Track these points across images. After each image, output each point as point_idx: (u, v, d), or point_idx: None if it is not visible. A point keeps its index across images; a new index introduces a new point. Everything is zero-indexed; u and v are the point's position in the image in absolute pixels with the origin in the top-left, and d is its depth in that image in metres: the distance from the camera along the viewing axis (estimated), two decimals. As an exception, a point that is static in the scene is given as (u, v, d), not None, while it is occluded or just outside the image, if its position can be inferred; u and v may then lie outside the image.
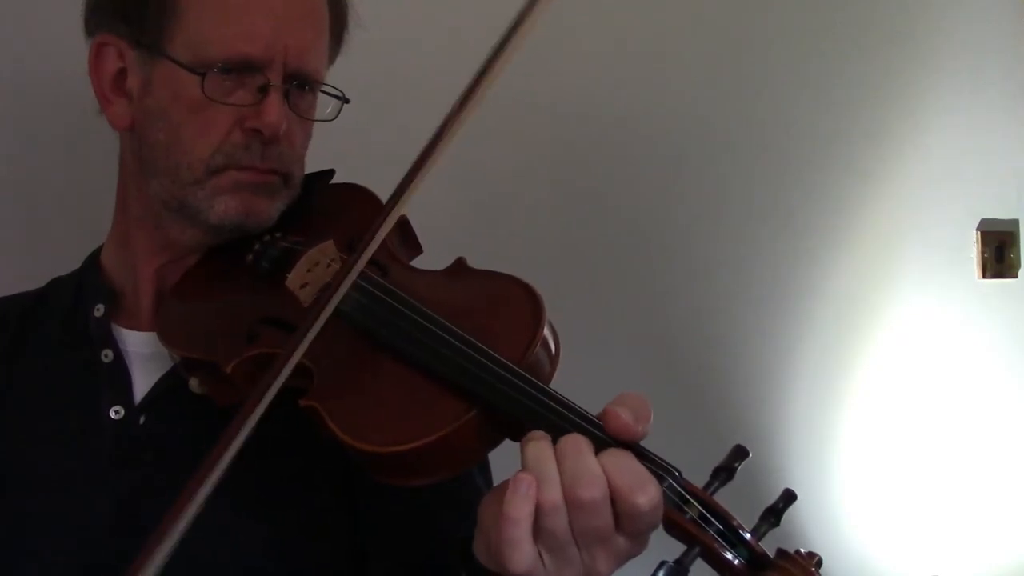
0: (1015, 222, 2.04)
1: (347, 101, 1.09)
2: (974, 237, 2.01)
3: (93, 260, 1.14)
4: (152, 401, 1.02)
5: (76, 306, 1.10)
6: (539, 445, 0.77)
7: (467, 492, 0.99)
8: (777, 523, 0.77)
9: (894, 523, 1.93)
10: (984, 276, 2.01)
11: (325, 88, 1.08)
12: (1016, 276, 2.04)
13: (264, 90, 1.00)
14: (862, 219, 1.94)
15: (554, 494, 0.74)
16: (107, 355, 1.05)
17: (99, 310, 1.07)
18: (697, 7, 1.86)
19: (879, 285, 1.95)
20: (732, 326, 1.85)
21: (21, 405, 1.05)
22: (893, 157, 1.95)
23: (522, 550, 0.74)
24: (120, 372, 1.04)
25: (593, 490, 0.73)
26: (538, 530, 0.74)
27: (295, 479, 0.99)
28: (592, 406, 0.81)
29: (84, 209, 1.33)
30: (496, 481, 1.02)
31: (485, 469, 1.05)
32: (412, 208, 1.04)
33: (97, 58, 1.05)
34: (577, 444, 0.76)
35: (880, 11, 1.95)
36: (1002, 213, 2.03)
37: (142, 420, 1.02)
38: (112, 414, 1.02)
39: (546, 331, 0.85)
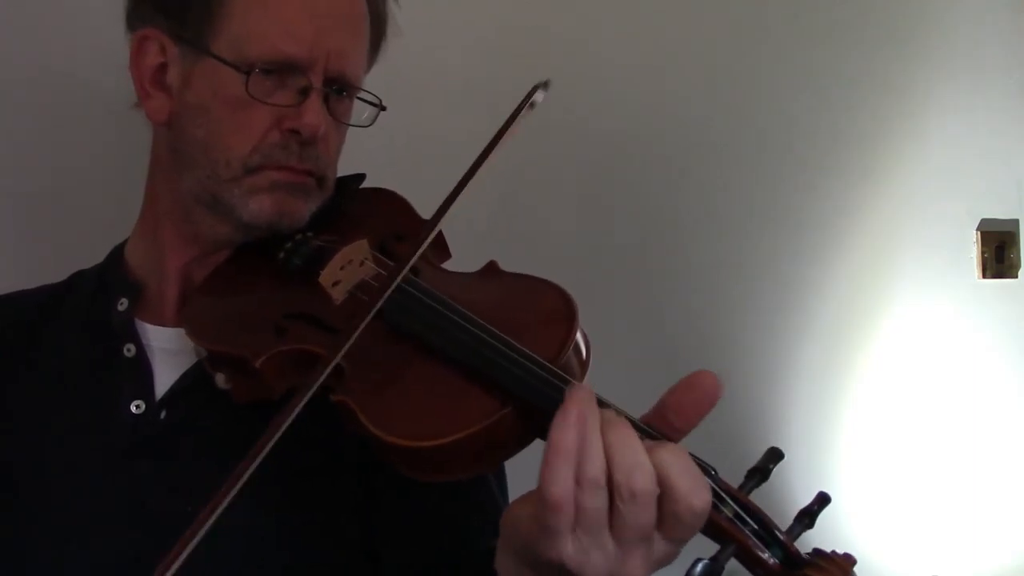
0: (1015, 222, 2.04)
1: (384, 108, 1.10)
2: (974, 237, 2.01)
3: (117, 254, 1.14)
4: (174, 396, 1.02)
5: (98, 298, 1.09)
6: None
7: (481, 493, 0.99)
8: (811, 525, 0.76)
9: (894, 523, 1.93)
10: (984, 276, 2.02)
11: (362, 94, 1.09)
12: (1016, 276, 2.04)
13: (305, 92, 1.01)
14: (862, 219, 1.94)
15: (597, 468, 0.69)
16: (129, 349, 1.04)
17: (122, 304, 1.06)
18: (697, 8, 1.86)
19: (879, 285, 1.95)
20: (732, 326, 1.85)
21: (37, 396, 1.05)
22: (893, 157, 1.95)
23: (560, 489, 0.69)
24: (142, 367, 1.03)
25: (646, 482, 0.69)
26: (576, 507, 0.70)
27: (311, 475, 0.99)
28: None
29: (97, 206, 1.33)
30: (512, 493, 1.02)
31: (500, 473, 1.04)
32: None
33: (138, 52, 1.05)
34: (627, 431, 0.71)
35: (880, 11, 1.95)
36: (1002, 213, 2.03)
37: (163, 415, 1.01)
38: (133, 408, 1.01)
39: (578, 335, 0.84)
